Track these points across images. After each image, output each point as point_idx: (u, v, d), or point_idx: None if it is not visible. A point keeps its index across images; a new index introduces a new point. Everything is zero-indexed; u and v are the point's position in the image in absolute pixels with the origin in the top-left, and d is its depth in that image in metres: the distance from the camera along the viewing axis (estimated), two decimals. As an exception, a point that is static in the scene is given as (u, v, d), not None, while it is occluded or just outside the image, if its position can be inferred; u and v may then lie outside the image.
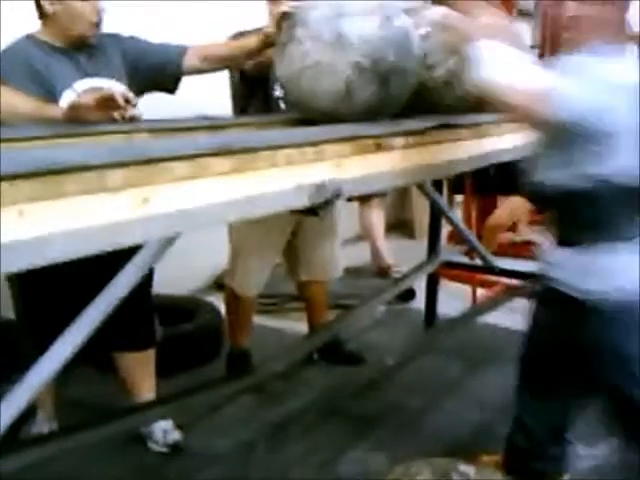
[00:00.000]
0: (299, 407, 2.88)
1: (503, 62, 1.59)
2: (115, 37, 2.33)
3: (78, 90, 2.13)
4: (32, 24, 2.24)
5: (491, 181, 4.59)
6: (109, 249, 1.14)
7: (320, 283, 3.16)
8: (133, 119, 2.02)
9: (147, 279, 2.34)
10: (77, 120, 1.93)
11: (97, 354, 2.47)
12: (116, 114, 1.97)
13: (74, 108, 1.96)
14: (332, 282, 3.32)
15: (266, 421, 2.77)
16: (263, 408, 2.87)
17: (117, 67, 2.27)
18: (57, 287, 2.13)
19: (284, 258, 3.09)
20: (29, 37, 2.21)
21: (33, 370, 1.47)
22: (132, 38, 2.37)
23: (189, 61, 2.34)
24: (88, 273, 1.66)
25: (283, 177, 1.42)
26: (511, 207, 5.20)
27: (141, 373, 2.50)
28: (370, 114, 1.81)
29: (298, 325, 3.45)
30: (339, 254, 3.18)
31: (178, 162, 1.23)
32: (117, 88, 2.06)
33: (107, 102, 1.91)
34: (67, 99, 2.09)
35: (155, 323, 2.60)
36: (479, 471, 2.07)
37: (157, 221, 1.20)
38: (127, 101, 1.92)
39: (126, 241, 1.17)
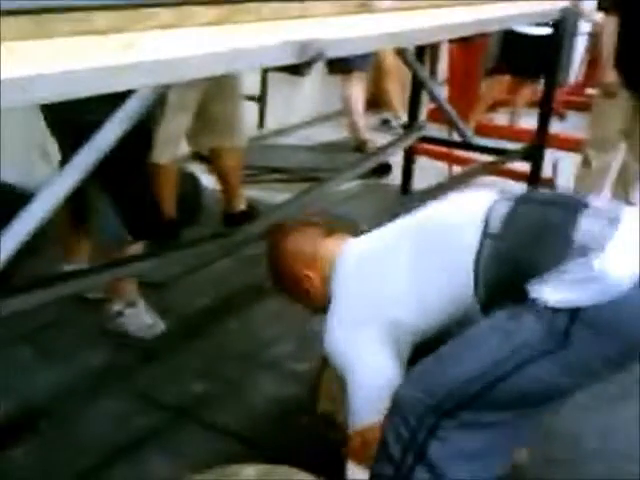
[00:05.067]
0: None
1: None
2: None
3: None
4: None
5: (528, 64, 4.58)
6: (95, 93, 1.16)
7: (233, 151, 3.14)
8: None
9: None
10: None
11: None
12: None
13: None
14: (246, 153, 3.29)
15: (241, 282, 2.88)
16: (240, 270, 2.98)
17: None
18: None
19: (194, 123, 2.97)
20: None
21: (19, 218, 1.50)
22: None
23: None
24: None
25: (267, 32, 1.42)
26: (494, 87, 5.22)
27: None
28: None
29: (278, 195, 3.51)
30: (242, 118, 3.15)
31: (163, 8, 1.23)
32: None
33: None
34: None
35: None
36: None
37: (142, 68, 1.21)
38: None
39: (112, 86, 1.18)
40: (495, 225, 1.46)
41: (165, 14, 1.23)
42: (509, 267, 1.44)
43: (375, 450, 1.50)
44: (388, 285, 1.55)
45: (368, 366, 1.54)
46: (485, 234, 1.46)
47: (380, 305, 1.55)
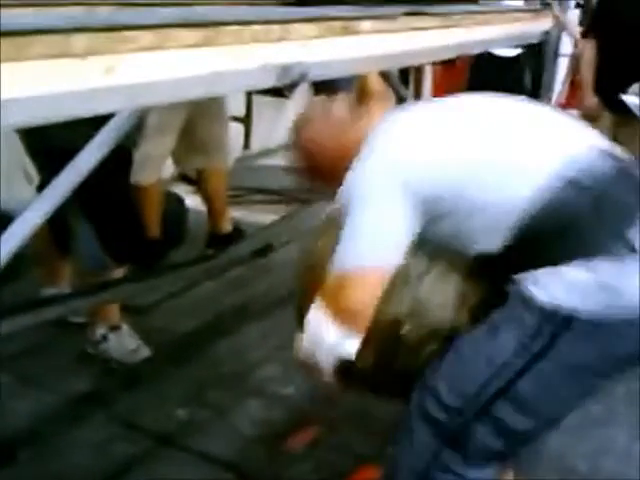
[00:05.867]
0: (259, 292, 2.97)
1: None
2: None
3: None
4: None
5: (496, 86, 4.57)
6: (74, 117, 1.14)
7: (218, 172, 3.10)
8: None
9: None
10: None
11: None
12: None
13: None
14: (231, 174, 3.24)
15: (227, 304, 2.86)
16: (225, 293, 2.96)
17: None
18: None
19: (179, 144, 2.88)
20: None
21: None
22: None
23: None
24: None
25: (248, 54, 1.41)
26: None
27: None
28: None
29: (263, 216, 3.49)
30: (228, 139, 3.12)
31: (143, 31, 1.21)
32: None
33: None
34: None
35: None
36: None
37: (122, 91, 1.20)
38: None
39: (92, 110, 1.17)
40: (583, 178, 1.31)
41: (145, 37, 1.22)
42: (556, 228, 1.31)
43: (363, 308, 1.33)
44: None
45: (385, 208, 1.35)
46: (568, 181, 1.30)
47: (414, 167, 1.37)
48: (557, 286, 1.30)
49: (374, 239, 1.34)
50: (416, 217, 1.35)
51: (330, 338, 1.35)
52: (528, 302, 1.32)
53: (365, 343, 1.37)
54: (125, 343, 2.52)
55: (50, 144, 1.91)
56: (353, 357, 1.36)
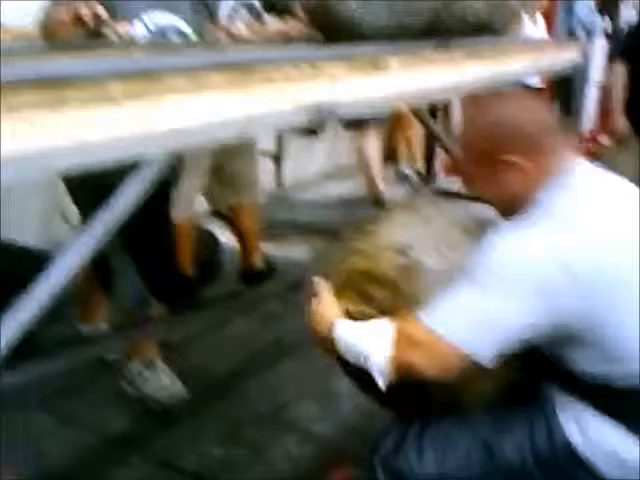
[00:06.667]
0: (293, 328, 2.96)
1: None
2: None
3: (148, 23, 2.15)
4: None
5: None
6: (112, 163, 1.16)
7: (250, 208, 3.13)
8: (130, 38, 2.01)
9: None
10: (52, 36, 1.89)
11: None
12: (112, 32, 1.95)
13: (48, 23, 1.92)
14: (264, 209, 3.29)
15: (261, 341, 2.85)
16: (258, 329, 2.96)
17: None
18: None
19: (207, 181, 2.91)
20: None
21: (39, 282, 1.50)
22: None
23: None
24: None
25: (280, 95, 1.43)
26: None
27: None
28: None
29: (296, 251, 3.50)
30: (258, 175, 3.15)
31: (177, 77, 1.24)
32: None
33: (79, 17, 1.87)
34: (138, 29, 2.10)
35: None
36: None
37: (159, 136, 1.22)
38: (97, 17, 1.88)
39: (129, 155, 1.19)
40: None
41: (180, 81, 1.25)
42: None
43: (420, 371, 1.32)
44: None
45: (500, 300, 1.29)
46: None
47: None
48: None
49: (482, 327, 1.31)
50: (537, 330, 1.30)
51: (373, 360, 1.36)
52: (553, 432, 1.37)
53: None
54: (160, 380, 2.53)
55: (89, 181, 1.94)
56: (380, 384, 1.37)
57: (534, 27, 4.92)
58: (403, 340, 1.35)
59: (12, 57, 1.51)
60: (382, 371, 1.36)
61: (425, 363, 1.33)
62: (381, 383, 1.37)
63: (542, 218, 1.32)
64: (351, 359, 1.42)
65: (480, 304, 1.30)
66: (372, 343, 1.37)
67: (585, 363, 1.35)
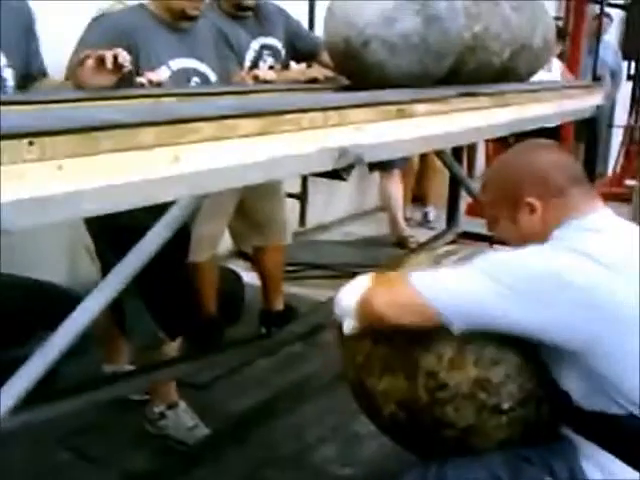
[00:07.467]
0: (315, 370, 2.95)
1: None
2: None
3: (173, 68, 2.23)
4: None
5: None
6: (142, 205, 1.19)
7: (276, 249, 3.13)
8: (160, 85, 2.05)
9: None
10: (81, 83, 1.92)
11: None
12: (144, 80, 2.00)
13: (77, 71, 1.94)
14: (288, 250, 3.26)
15: (283, 382, 2.84)
16: (280, 370, 2.95)
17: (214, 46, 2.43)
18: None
19: (234, 223, 2.97)
20: (142, 7, 2.28)
21: (65, 323, 1.53)
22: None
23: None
24: None
25: (306, 140, 1.46)
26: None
27: None
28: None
29: (320, 291, 3.50)
30: (287, 217, 3.16)
31: (206, 123, 1.27)
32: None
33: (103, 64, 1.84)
34: (162, 75, 2.16)
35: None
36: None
37: (187, 179, 1.25)
38: (118, 64, 1.85)
39: (158, 198, 1.22)
40: None
41: (207, 127, 1.28)
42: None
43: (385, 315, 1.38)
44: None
45: (502, 293, 1.33)
46: None
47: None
48: None
49: (465, 299, 1.36)
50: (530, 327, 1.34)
51: (345, 301, 1.47)
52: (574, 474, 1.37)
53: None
54: (182, 421, 2.53)
55: (112, 225, 1.97)
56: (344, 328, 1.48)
57: (548, 73, 4.93)
58: (379, 284, 1.45)
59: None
60: (348, 312, 1.45)
61: (392, 309, 1.39)
62: (345, 327, 1.47)
63: (557, 245, 1.39)
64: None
65: (478, 286, 1.35)
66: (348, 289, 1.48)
67: (579, 394, 1.37)
